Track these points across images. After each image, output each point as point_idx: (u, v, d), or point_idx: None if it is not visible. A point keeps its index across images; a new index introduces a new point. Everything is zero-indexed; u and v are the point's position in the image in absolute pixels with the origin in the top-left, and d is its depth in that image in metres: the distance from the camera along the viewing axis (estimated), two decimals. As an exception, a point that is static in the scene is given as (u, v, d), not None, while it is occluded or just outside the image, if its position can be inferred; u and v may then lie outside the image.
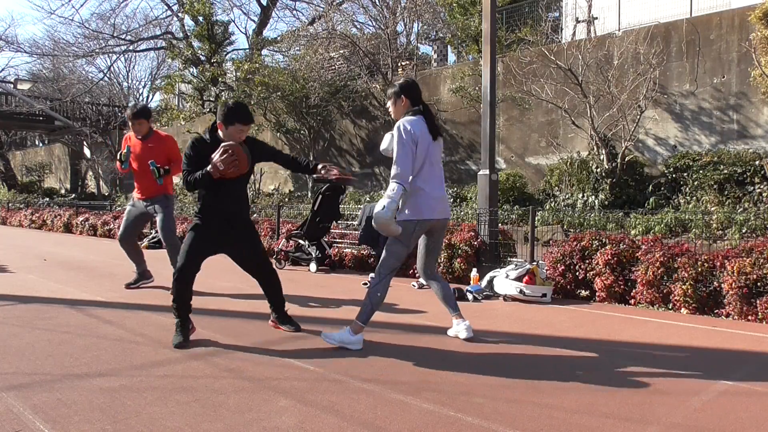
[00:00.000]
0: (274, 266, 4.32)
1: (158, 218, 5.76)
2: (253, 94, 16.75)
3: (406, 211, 3.75)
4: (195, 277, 3.94)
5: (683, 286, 4.89)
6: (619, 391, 2.97)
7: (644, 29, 11.94)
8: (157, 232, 11.49)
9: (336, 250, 8.01)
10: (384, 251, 3.79)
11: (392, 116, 3.93)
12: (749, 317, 4.59)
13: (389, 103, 3.95)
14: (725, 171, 9.84)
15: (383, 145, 3.89)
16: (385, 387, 3.01)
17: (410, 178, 3.72)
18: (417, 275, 6.79)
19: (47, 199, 24.06)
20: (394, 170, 3.68)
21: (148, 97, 37.70)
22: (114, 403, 2.75)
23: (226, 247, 4.04)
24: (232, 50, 25.91)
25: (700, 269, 4.87)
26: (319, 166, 4.05)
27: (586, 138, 11.82)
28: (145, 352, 3.62)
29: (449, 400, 2.82)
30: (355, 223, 8.19)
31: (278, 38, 22.18)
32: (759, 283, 4.55)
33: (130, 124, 5.74)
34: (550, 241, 7.75)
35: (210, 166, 3.75)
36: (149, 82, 37.70)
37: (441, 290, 4.04)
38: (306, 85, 16.36)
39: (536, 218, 6.79)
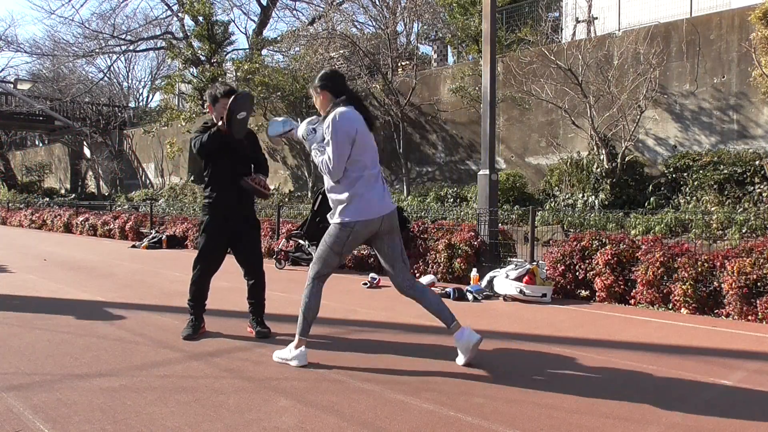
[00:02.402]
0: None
1: None
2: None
3: (341, 214, 3.41)
4: (214, 275, 4.09)
5: (683, 286, 4.89)
6: (619, 391, 2.97)
7: (644, 29, 11.94)
8: (157, 232, 11.55)
9: (336, 250, 8.00)
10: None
11: (320, 112, 3.47)
12: (749, 317, 4.59)
13: (315, 101, 3.47)
14: (725, 171, 9.84)
15: (277, 130, 3.57)
16: (385, 387, 3.01)
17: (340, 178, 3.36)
18: (417, 276, 6.79)
19: (47, 199, 24.07)
20: (329, 164, 3.30)
21: (148, 96, 37.72)
22: (114, 403, 2.75)
23: (233, 239, 4.06)
24: (232, 50, 25.94)
25: (700, 269, 4.86)
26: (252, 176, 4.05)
27: (586, 138, 11.82)
28: (145, 352, 3.62)
29: (449, 400, 2.82)
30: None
31: (278, 38, 22.19)
32: (759, 283, 4.55)
33: None
34: (550, 241, 7.75)
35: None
36: (149, 82, 37.80)
37: (425, 304, 3.47)
38: (306, 85, 16.36)
39: (536, 218, 6.79)
